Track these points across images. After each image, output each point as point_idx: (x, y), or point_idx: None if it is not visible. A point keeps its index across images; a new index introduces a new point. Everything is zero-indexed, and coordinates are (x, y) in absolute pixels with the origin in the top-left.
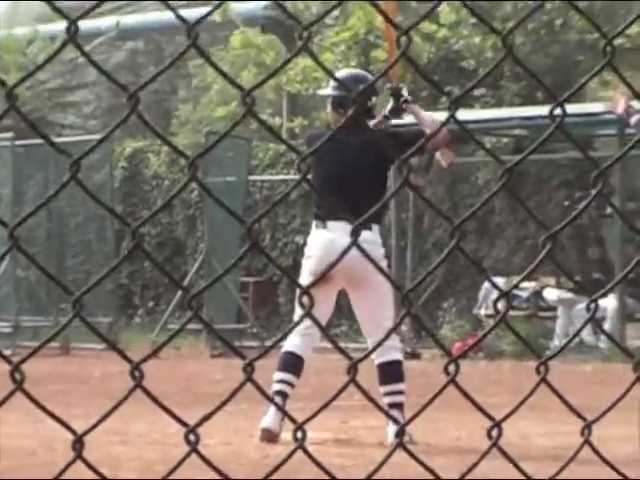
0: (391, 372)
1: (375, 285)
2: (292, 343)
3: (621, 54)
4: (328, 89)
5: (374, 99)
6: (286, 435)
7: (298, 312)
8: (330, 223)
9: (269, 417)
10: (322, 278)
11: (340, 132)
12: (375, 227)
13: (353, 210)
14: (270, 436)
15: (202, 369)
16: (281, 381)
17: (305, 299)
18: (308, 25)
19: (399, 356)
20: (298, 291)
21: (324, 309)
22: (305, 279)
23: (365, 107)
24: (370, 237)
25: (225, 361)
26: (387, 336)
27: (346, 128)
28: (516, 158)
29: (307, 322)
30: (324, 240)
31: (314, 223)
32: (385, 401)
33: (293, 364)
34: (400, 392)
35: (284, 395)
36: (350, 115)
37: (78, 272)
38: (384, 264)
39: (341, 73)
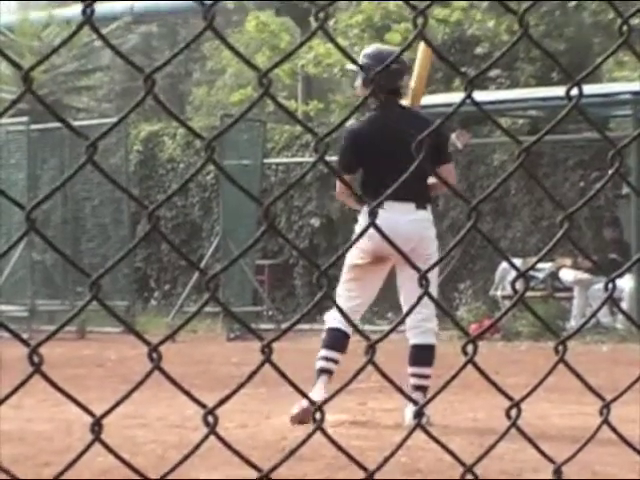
0: (424, 355)
1: (425, 262)
2: (338, 319)
3: (636, 34)
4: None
5: (406, 78)
6: None
7: (340, 295)
8: (387, 203)
9: (315, 395)
10: (372, 257)
11: (376, 114)
12: (428, 206)
13: (411, 190)
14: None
15: (219, 352)
16: (326, 358)
17: (324, 280)
18: (324, 6)
19: (435, 341)
20: (340, 280)
21: (373, 288)
22: (354, 257)
23: (395, 86)
24: (426, 216)
25: (242, 344)
26: (406, 315)
27: (381, 109)
28: (531, 139)
29: (351, 302)
30: (385, 220)
31: (367, 211)
32: (410, 382)
33: (339, 341)
34: (427, 376)
35: (329, 373)
36: (374, 93)
37: (94, 256)
38: (436, 244)
39: (371, 48)
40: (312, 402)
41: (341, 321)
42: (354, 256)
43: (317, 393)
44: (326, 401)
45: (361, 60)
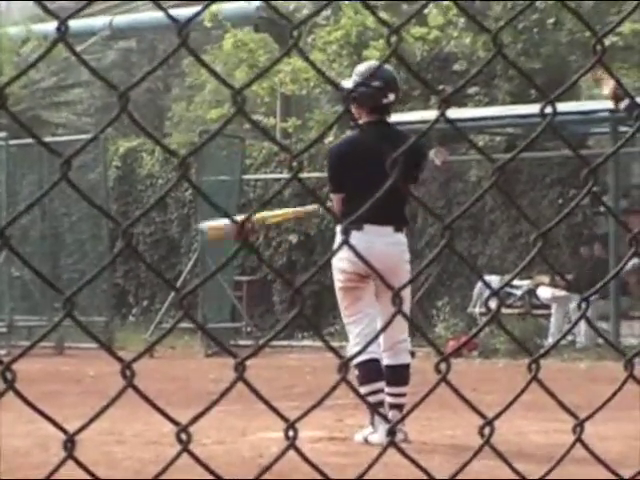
0: (399, 375)
1: (400, 282)
2: (365, 351)
3: (613, 52)
4: (350, 81)
5: (391, 96)
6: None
7: (349, 323)
8: (366, 227)
9: (381, 436)
10: (357, 275)
11: (363, 133)
12: (405, 230)
13: (391, 214)
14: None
15: (197, 368)
16: (373, 393)
17: (297, 297)
18: (298, 24)
19: (409, 359)
20: (341, 309)
21: (373, 302)
22: (341, 282)
23: (377, 103)
24: (403, 239)
25: (220, 360)
26: (380, 332)
27: (364, 127)
28: (508, 157)
29: (363, 324)
30: (361, 241)
31: (342, 229)
32: (387, 400)
33: (375, 371)
34: (403, 394)
35: (382, 405)
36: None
37: (73, 272)
38: (409, 266)
39: (363, 66)
40: (285, 419)
41: (367, 352)
42: (341, 281)
43: (381, 433)
44: (300, 418)
45: (353, 77)
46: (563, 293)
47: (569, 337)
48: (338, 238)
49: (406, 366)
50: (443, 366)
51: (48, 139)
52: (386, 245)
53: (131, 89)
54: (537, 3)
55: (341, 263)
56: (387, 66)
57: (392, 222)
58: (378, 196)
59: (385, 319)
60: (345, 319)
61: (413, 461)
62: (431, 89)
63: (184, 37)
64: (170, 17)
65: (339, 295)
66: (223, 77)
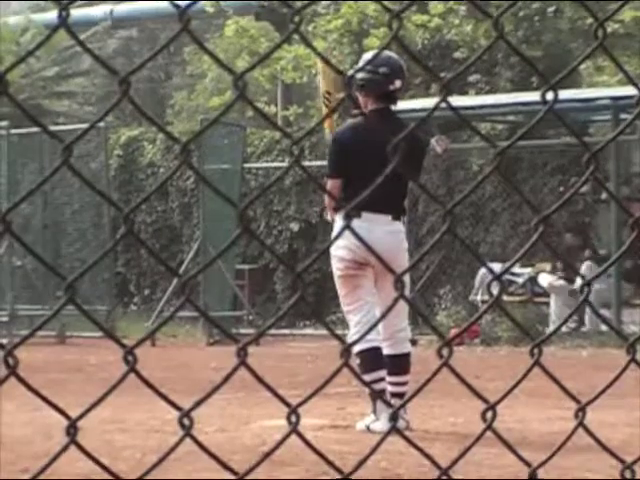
0: (400, 364)
1: (400, 270)
2: (364, 339)
3: (615, 39)
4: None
5: (397, 83)
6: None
7: (349, 311)
8: (365, 214)
9: (383, 424)
10: (357, 263)
11: (367, 120)
12: (403, 218)
13: (390, 202)
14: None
15: (199, 357)
16: (375, 381)
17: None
18: (299, 9)
19: (409, 348)
20: (340, 297)
21: (372, 290)
22: (340, 270)
23: (383, 91)
24: (401, 228)
25: (222, 349)
26: (381, 318)
27: (372, 116)
28: (509, 141)
29: (364, 312)
30: (361, 229)
31: (342, 216)
32: (389, 389)
33: (376, 359)
34: (405, 383)
35: (384, 392)
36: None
37: (74, 260)
38: (407, 255)
39: (367, 54)
40: (287, 404)
41: (367, 340)
42: (340, 270)
43: (383, 421)
44: (302, 403)
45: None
46: (560, 282)
47: (572, 324)
48: (337, 225)
49: (407, 355)
50: (445, 351)
51: (49, 128)
52: (385, 233)
53: (132, 74)
54: None
55: (340, 251)
56: (394, 54)
57: (391, 211)
58: (378, 183)
59: (384, 307)
60: (345, 307)
61: (416, 447)
62: (432, 74)
63: (185, 22)
64: (172, 2)
65: (338, 283)
66: (222, 63)
